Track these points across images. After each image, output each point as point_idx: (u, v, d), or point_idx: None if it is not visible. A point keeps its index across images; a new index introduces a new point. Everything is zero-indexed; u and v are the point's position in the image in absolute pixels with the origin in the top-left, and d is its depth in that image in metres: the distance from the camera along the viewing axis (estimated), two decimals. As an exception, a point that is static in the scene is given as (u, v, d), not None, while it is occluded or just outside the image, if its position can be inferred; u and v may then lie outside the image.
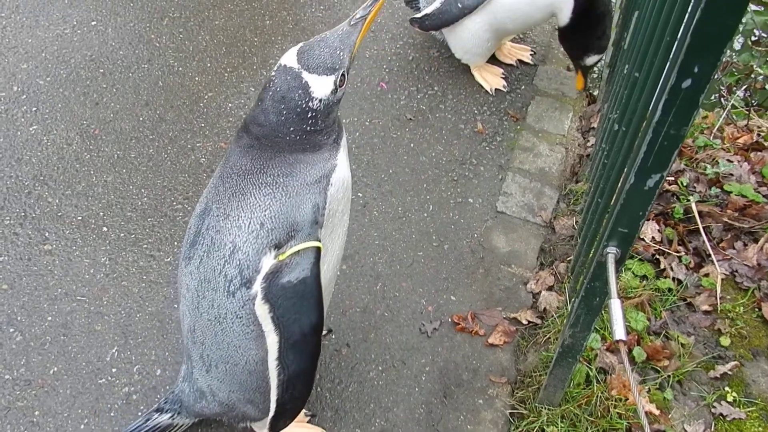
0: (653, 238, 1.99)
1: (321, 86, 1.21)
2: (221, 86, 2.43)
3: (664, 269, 1.88)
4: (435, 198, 2.14)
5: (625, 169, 1.44)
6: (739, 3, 0.88)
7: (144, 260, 1.89)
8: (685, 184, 2.14)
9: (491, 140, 2.35)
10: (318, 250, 1.27)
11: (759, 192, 2.12)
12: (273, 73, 1.23)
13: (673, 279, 1.86)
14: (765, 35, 2.99)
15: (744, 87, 2.77)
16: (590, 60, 2.27)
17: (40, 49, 2.47)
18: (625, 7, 2.52)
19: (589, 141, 2.44)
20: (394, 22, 2.68)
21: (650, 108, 1.24)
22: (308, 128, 1.24)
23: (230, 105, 2.37)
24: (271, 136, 1.24)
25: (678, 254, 1.95)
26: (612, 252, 1.21)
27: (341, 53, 1.23)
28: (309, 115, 1.22)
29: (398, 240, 2.01)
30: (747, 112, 2.53)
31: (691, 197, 2.08)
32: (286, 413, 1.39)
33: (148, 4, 2.65)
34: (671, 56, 1.20)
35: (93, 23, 2.57)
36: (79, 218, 1.99)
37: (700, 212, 2.04)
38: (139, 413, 1.60)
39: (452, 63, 2.56)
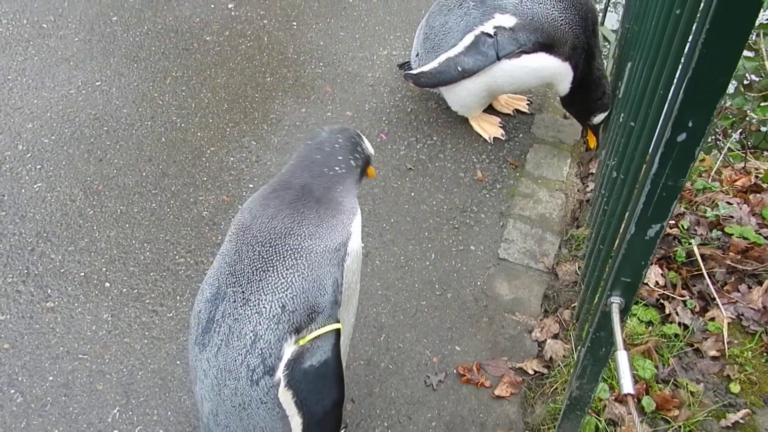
0: (657, 282, 1.98)
1: (368, 144, 1.42)
2: (223, 141, 2.46)
3: (670, 314, 1.87)
4: (437, 246, 2.15)
5: (625, 219, 1.45)
6: (729, 61, 0.91)
7: (146, 316, 1.88)
8: (686, 227, 2.15)
9: (491, 188, 2.37)
10: (338, 331, 1.26)
11: (760, 234, 2.12)
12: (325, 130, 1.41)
13: (679, 324, 1.85)
14: (757, 79, 3.04)
15: (739, 130, 2.80)
16: (597, 119, 2.34)
17: (45, 109, 2.52)
18: (618, 57, 2.58)
19: (588, 186, 2.46)
20: (392, 76, 2.74)
21: (647, 159, 1.25)
22: (353, 163, 1.33)
23: (232, 159, 2.40)
24: (317, 175, 1.28)
25: (683, 298, 1.94)
26: (616, 302, 1.20)
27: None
28: (358, 150, 1.36)
29: (401, 289, 2.00)
30: (743, 155, 2.56)
31: (692, 240, 2.09)
32: None
33: (151, 64, 2.72)
34: (665, 108, 1.22)
35: (97, 83, 2.63)
36: (82, 274, 1.99)
37: (702, 255, 2.04)
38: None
39: (450, 114, 2.61)
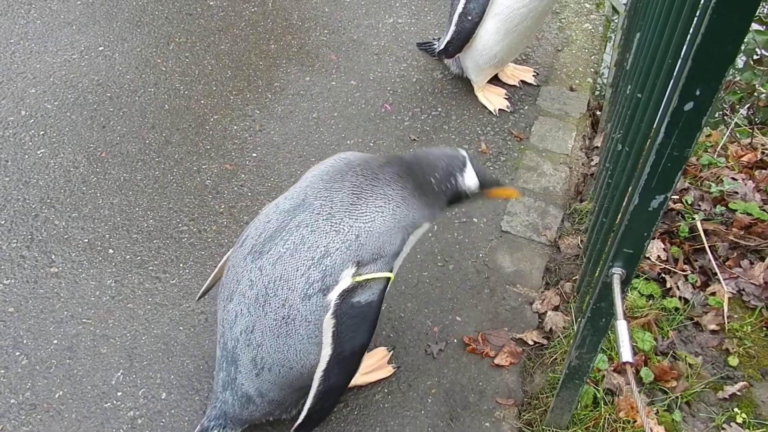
0: (659, 257, 1.98)
1: (472, 178, 1.44)
2: (226, 109, 2.45)
3: (671, 288, 1.88)
4: (440, 218, 2.15)
5: (629, 190, 1.44)
6: (739, 29, 0.89)
7: (149, 282, 1.90)
8: (689, 202, 2.14)
9: (495, 160, 2.36)
10: (388, 280, 1.35)
11: (764, 210, 2.11)
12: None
13: (680, 298, 1.85)
14: (767, 54, 3.00)
15: (747, 105, 2.77)
16: None
17: (48, 74, 2.50)
18: (627, 28, 2.55)
19: (592, 160, 2.45)
20: (397, 45, 2.71)
21: (653, 129, 1.24)
22: (449, 186, 1.42)
23: (235, 127, 2.39)
24: (424, 179, 1.39)
25: (684, 273, 1.94)
26: (617, 273, 1.20)
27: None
28: (456, 183, 1.43)
29: (403, 261, 2.00)
30: (750, 130, 2.54)
31: (696, 216, 2.08)
32: (311, 423, 1.43)
33: (154, 29, 2.69)
34: (673, 78, 1.21)
35: (100, 48, 2.61)
36: (86, 240, 2.00)
37: (705, 230, 2.03)
38: (145, 437, 1.60)
39: (455, 85, 2.58)
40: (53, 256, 1.94)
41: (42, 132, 2.32)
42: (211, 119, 2.42)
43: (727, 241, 2.04)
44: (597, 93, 2.76)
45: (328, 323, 1.29)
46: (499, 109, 2.51)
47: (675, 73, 1.20)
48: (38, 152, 2.26)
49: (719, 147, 2.42)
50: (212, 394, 1.52)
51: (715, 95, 1.00)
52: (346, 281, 1.28)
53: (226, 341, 1.38)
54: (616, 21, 2.93)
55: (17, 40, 2.61)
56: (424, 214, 1.42)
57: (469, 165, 1.43)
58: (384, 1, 2.88)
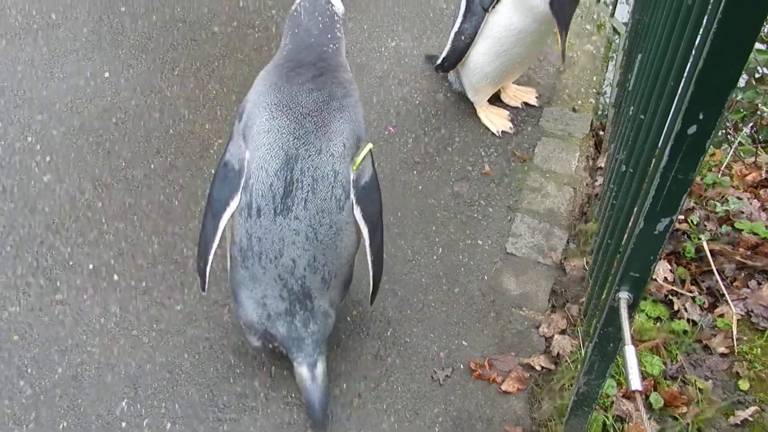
0: (665, 278, 1.97)
1: (339, 5, 1.64)
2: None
3: (678, 310, 1.86)
4: (444, 240, 2.14)
5: (634, 213, 1.43)
6: (741, 53, 0.89)
7: (154, 308, 1.89)
8: (695, 222, 2.13)
9: (499, 181, 2.36)
10: (370, 150, 1.58)
11: (771, 229, 2.10)
12: (295, 4, 1.61)
13: (688, 320, 1.83)
14: (769, 72, 3.00)
15: (750, 124, 2.77)
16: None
17: (54, 101, 2.53)
18: (628, 49, 2.56)
19: (596, 180, 2.45)
20: (400, 68, 2.73)
21: (657, 153, 1.24)
22: (339, 34, 1.60)
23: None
24: (319, 51, 1.55)
25: (691, 294, 1.93)
26: (624, 297, 1.20)
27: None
28: (336, 20, 1.60)
29: (408, 284, 2.00)
30: (754, 149, 2.53)
31: (702, 236, 2.07)
32: (377, 285, 1.70)
33: (159, 56, 2.72)
34: (675, 101, 1.21)
35: (106, 75, 2.63)
36: (91, 267, 2.00)
37: (711, 251, 2.02)
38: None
39: (458, 107, 2.59)
40: (58, 283, 1.94)
41: (48, 158, 2.34)
42: (216, 143, 2.43)
43: (734, 262, 2.02)
44: (599, 113, 2.77)
45: (357, 211, 1.54)
46: (502, 131, 2.52)
47: (677, 96, 1.20)
48: (44, 178, 2.27)
49: (723, 166, 2.42)
50: (294, 343, 1.63)
51: (719, 119, 1.00)
52: (352, 175, 1.52)
53: (292, 287, 1.56)
54: (617, 42, 2.94)
55: (24, 67, 2.63)
56: (347, 66, 1.63)
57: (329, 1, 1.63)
58: (387, 25, 2.90)
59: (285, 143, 1.46)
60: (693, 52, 1.23)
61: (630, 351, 1.08)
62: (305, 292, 1.57)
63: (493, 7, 2.23)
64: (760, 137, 2.88)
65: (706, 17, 1.14)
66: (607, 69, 2.82)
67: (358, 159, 1.52)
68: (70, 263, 2.00)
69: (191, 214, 2.18)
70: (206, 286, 1.63)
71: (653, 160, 1.39)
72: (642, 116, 1.62)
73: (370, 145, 1.56)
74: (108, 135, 2.43)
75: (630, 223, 1.52)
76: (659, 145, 1.35)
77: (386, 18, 2.93)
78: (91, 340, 1.81)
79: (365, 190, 1.55)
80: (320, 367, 1.65)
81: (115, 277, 1.98)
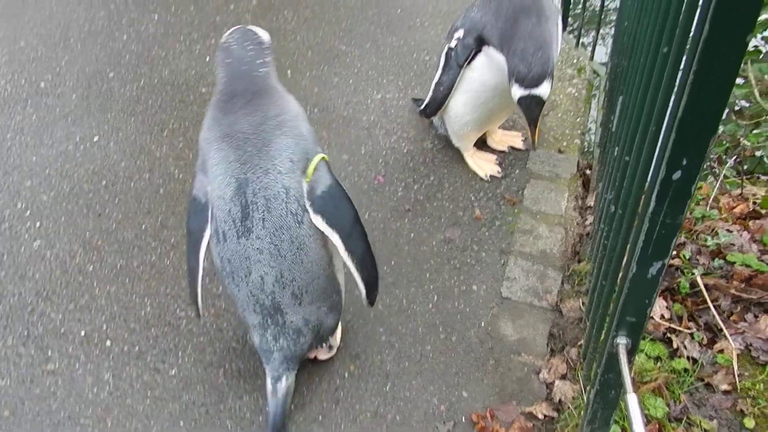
0: (662, 315, 1.96)
1: (264, 34, 1.70)
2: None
3: (678, 348, 1.85)
4: (439, 288, 2.13)
5: (626, 256, 1.44)
6: (718, 102, 0.91)
7: (148, 374, 1.86)
8: (687, 257, 2.14)
9: (490, 225, 2.37)
10: (325, 160, 1.64)
11: (762, 261, 2.11)
12: (225, 37, 1.67)
13: (688, 358, 1.82)
14: (747, 105, 3.07)
15: (734, 157, 2.81)
16: (537, 90, 2.14)
17: (44, 167, 2.54)
18: (609, 90, 2.61)
19: (587, 220, 2.46)
20: (387, 119, 2.77)
21: (644, 197, 1.25)
22: (267, 59, 1.64)
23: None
24: (251, 79, 1.60)
25: (689, 331, 1.92)
26: (623, 343, 1.19)
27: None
28: (264, 47, 1.65)
29: (405, 335, 1.98)
30: (740, 181, 2.57)
31: (695, 270, 2.07)
32: (372, 286, 1.71)
33: (148, 118, 2.75)
34: (658, 146, 1.23)
35: (95, 139, 2.65)
36: (82, 333, 1.97)
37: (706, 285, 2.02)
38: None
39: (446, 153, 2.62)
40: (50, 352, 1.91)
41: (38, 223, 2.33)
42: (206, 201, 2.43)
43: (729, 295, 2.02)
44: (585, 151, 2.81)
45: (318, 220, 1.57)
46: (490, 175, 2.54)
47: (660, 142, 1.22)
48: (34, 244, 2.26)
49: (711, 199, 2.44)
50: (264, 354, 1.72)
51: (702, 163, 1.02)
52: (305, 189, 1.57)
53: (263, 302, 1.63)
54: (598, 83, 3.01)
55: (13, 135, 2.65)
56: (281, 89, 1.68)
57: (254, 28, 1.70)
58: (372, 78, 2.96)
59: (234, 171, 1.54)
60: (672, 97, 1.26)
61: (632, 400, 1.06)
62: (276, 307, 1.64)
63: (468, 63, 2.26)
64: (745, 167, 2.92)
65: (682, 64, 1.17)
66: (589, 110, 2.87)
67: (310, 170, 1.58)
68: (62, 330, 1.97)
69: (183, 273, 2.16)
70: (200, 313, 1.72)
71: (641, 203, 1.40)
72: (627, 158, 1.65)
73: (320, 155, 1.62)
74: (98, 198, 2.43)
75: (623, 265, 1.53)
76: (646, 187, 1.37)
77: (371, 72, 2.99)
78: (84, 411, 1.76)
79: (323, 199, 1.59)
80: (284, 383, 1.73)
81: (108, 342, 1.95)
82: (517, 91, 2.10)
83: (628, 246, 1.44)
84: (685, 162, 1.01)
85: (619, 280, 1.50)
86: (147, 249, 2.25)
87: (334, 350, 1.94)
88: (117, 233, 2.30)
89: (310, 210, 1.57)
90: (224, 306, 2.06)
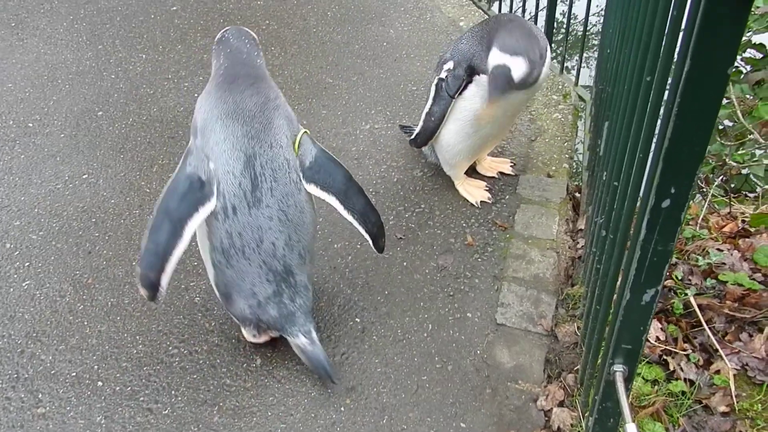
0: (657, 337, 1.96)
1: (252, 33, 1.89)
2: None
3: (674, 370, 1.84)
4: (433, 316, 2.13)
5: (619, 283, 1.44)
6: (703, 131, 0.93)
7: (141, 415, 1.83)
8: (679, 277, 2.15)
9: (483, 251, 2.37)
10: (308, 134, 1.83)
11: (754, 279, 2.12)
12: (221, 33, 1.87)
13: (685, 380, 1.81)
14: (730, 124, 3.12)
15: (720, 176, 2.85)
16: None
17: (33, 206, 2.52)
18: (595, 115, 2.65)
19: (578, 243, 2.47)
20: (376, 149, 2.78)
21: (634, 225, 1.25)
22: (260, 53, 1.87)
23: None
24: (252, 66, 1.78)
25: (685, 352, 1.92)
26: (619, 370, 1.19)
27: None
28: (256, 43, 1.87)
29: (401, 365, 1.96)
30: (727, 200, 2.59)
31: (688, 291, 2.08)
32: (378, 235, 1.91)
33: (137, 154, 2.75)
34: (646, 174, 1.24)
35: (84, 176, 2.65)
36: (74, 374, 1.94)
37: (699, 305, 2.03)
38: None
39: (436, 181, 2.64)
40: (40, 395, 1.88)
41: (27, 263, 2.31)
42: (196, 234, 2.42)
43: (723, 315, 2.03)
44: (574, 173, 2.83)
45: (311, 188, 1.78)
46: (481, 201, 2.55)
47: (647, 169, 1.24)
48: (23, 284, 2.23)
49: (700, 219, 2.46)
50: (287, 319, 1.84)
51: (690, 191, 1.03)
52: (296, 161, 1.76)
53: (276, 268, 1.77)
54: (583, 107, 3.04)
55: (2, 175, 2.64)
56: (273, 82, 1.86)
57: (245, 30, 1.91)
58: (360, 109, 2.98)
59: (242, 145, 1.67)
60: (657, 124, 1.28)
61: (631, 429, 1.06)
62: (287, 270, 1.79)
63: (459, 93, 2.28)
64: (732, 185, 2.95)
65: (666, 93, 1.19)
66: (576, 134, 2.91)
67: (296, 145, 1.76)
68: (52, 372, 1.94)
69: (175, 309, 2.14)
70: (161, 297, 1.71)
71: (632, 227, 1.41)
72: (616, 183, 1.66)
73: (303, 131, 1.81)
74: (88, 235, 2.42)
75: (616, 291, 1.53)
76: (635, 214, 1.38)
77: (359, 103, 3.01)
78: (76, 454, 1.73)
79: (312, 169, 1.78)
80: (314, 333, 1.88)
81: (99, 383, 1.92)
82: (494, 57, 2.08)
83: (621, 271, 1.44)
84: (673, 190, 1.02)
85: (613, 306, 1.50)
86: (137, 286, 2.23)
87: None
88: (107, 270, 2.29)
89: (303, 181, 1.76)
90: (217, 342, 2.04)
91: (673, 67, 1.16)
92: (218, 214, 1.67)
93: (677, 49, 1.11)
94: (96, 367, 1.96)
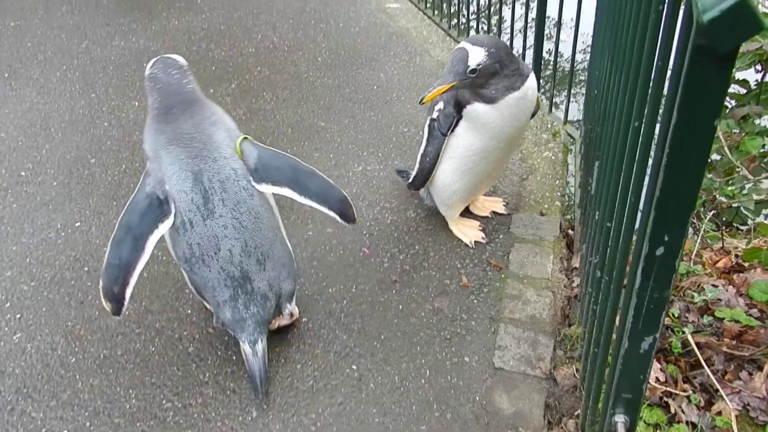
0: (657, 378, 1.94)
1: (181, 59, 1.99)
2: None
3: (675, 413, 1.82)
4: (431, 361, 2.10)
5: (615, 330, 1.43)
6: (694, 183, 0.94)
7: (134, 472, 1.78)
8: (676, 315, 2.14)
9: (478, 292, 2.36)
10: (247, 138, 1.93)
11: (751, 315, 2.11)
12: (148, 69, 1.95)
13: (687, 423, 1.79)
14: (718, 158, 3.16)
15: (711, 211, 2.87)
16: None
17: (25, 255, 2.50)
18: (585, 153, 2.67)
19: (573, 281, 2.47)
20: (369, 190, 2.79)
21: (628, 272, 1.25)
22: (190, 78, 1.95)
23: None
24: (182, 93, 1.89)
25: (686, 393, 1.90)
26: (621, 421, 1.17)
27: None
28: (184, 70, 1.96)
29: (399, 415, 1.93)
30: (720, 235, 2.61)
31: (685, 328, 2.07)
32: (343, 209, 1.98)
33: (130, 200, 2.74)
34: (639, 221, 1.25)
35: (77, 225, 2.64)
36: None
37: (698, 344, 2.01)
38: None
39: (429, 222, 2.64)
40: (30, 454, 1.83)
41: (18, 315, 2.28)
42: (191, 283, 2.41)
43: (721, 353, 2.01)
44: (567, 210, 2.84)
45: (263, 187, 1.88)
46: (475, 241, 2.55)
47: (639, 214, 1.24)
48: (14, 337, 2.20)
49: (694, 254, 2.47)
50: (238, 324, 1.94)
51: (684, 238, 1.03)
52: (242, 166, 1.87)
53: (233, 274, 1.88)
54: (573, 145, 3.08)
55: (-7, 225, 2.63)
56: (205, 99, 1.99)
57: (169, 57, 1.99)
58: (352, 151, 3.00)
59: (188, 165, 1.82)
60: (648, 170, 1.29)
61: (636, 482, 1.04)
62: (245, 276, 1.89)
63: (452, 131, 2.32)
64: (723, 218, 2.97)
65: (654, 142, 1.20)
66: (567, 172, 2.93)
67: (238, 151, 1.88)
68: (43, 430, 1.90)
69: (169, 360, 2.11)
70: (124, 310, 1.82)
71: (627, 278, 1.40)
72: (609, 224, 1.67)
73: (242, 137, 1.92)
74: (80, 285, 2.39)
75: (614, 332, 1.52)
76: (630, 262, 1.38)
77: (351, 146, 3.04)
78: None
79: (258, 170, 1.88)
80: (260, 344, 1.97)
81: (92, 439, 1.88)
82: (463, 42, 2.15)
83: (618, 313, 1.43)
84: (666, 238, 1.02)
85: (611, 350, 1.49)
86: (131, 336, 2.20)
87: (295, 317, 2.17)
88: (99, 321, 2.26)
89: (254, 184, 1.87)
90: (212, 394, 2.00)
91: (660, 111, 1.18)
92: (179, 229, 1.83)
93: (663, 98, 1.13)
94: (88, 423, 1.92)
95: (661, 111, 1.13)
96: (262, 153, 1.91)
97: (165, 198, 1.81)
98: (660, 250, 1.03)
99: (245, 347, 1.96)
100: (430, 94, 2.12)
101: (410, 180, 2.59)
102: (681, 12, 1.00)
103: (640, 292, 1.08)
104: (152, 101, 1.91)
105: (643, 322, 1.10)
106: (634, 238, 1.35)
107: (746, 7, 0.71)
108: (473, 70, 2.10)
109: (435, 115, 2.35)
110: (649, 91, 1.19)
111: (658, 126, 1.16)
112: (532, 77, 2.23)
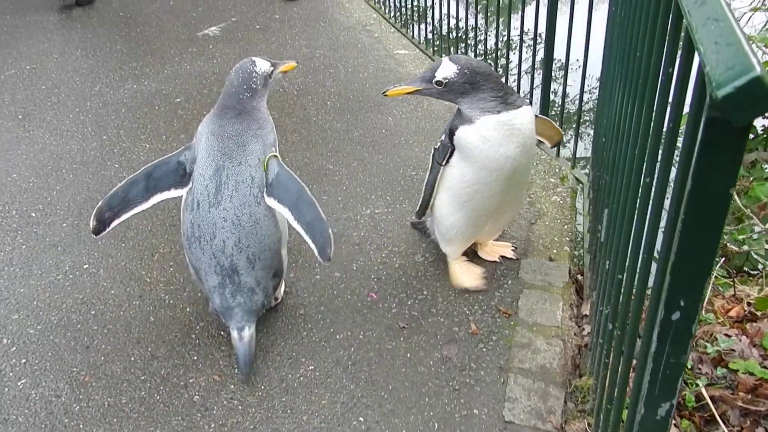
0: (672, 434, 1.90)
1: (262, 65, 2.20)
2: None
3: (692, 471, 1.77)
4: (439, 413, 2.06)
5: (631, 399, 1.39)
6: (709, 248, 0.93)
7: None
8: (689, 366, 2.10)
9: (487, 340, 2.33)
10: (275, 156, 2.13)
11: (765, 367, 2.07)
12: (236, 67, 2.20)
13: (704, 481, 1.74)
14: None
15: (722, 258, 2.84)
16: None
17: (32, 298, 2.50)
18: (594, 199, 2.67)
19: (584, 329, 2.43)
20: (377, 234, 2.79)
21: (643, 336, 1.23)
22: (254, 86, 2.15)
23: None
24: (240, 102, 2.12)
25: (702, 450, 1.85)
26: (638, 489, 1.14)
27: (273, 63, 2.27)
28: (254, 76, 2.16)
29: (407, 469, 1.89)
30: (732, 282, 2.58)
31: (698, 381, 2.03)
32: (324, 245, 2.03)
33: (138, 243, 2.75)
34: (653, 284, 1.23)
35: (85, 266, 2.64)
36: (66, 482, 1.86)
37: (712, 397, 1.97)
38: None
39: (438, 266, 2.63)
40: (30, 507, 1.79)
41: (24, 360, 2.26)
42: (197, 327, 2.39)
43: (736, 408, 1.97)
44: (576, 255, 2.82)
45: (271, 201, 2.08)
46: (483, 287, 2.52)
47: (654, 275, 1.23)
48: (19, 383, 2.18)
49: (705, 302, 2.44)
50: (226, 312, 2.13)
51: (700, 303, 1.02)
52: (261, 177, 2.08)
53: (223, 263, 2.07)
54: (581, 190, 3.08)
55: (2, 266, 2.63)
56: (263, 113, 2.19)
57: (258, 59, 2.20)
58: (360, 194, 3.01)
59: (215, 158, 2.06)
60: (661, 228, 1.28)
61: None
62: (233, 268, 2.07)
63: (446, 162, 2.33)
64: (734, 264, 2.94)
65: (667, 199, 1.19)
66: (575, 217, 2.92)
67: (264, 165, 2.08)
68: (44, 482, 1.86)
69: (174, 409, 2.08)
70: (103, 235, 2.11)
71: (641, 343, 1.38)
72: (620, 276, 1.65)
73: (271, 154, 2.11)
74: (86, 329, 2.38)
75: (627, 394, 1.48)
76: (644, 327, 1.35)
77: (359, 189, 3.05)
78: None
79: (272, 185, 2.07)
80: (247, 331, 2.14)
81: (93, 492, 1.84)
82: (445, 56, 2.28)
83: (633, 391, 1.39)
84: (683, 303, 1.01)
85: (625, 413, 1.45)
86: (136, 383, 2.18)
87: (279, 298, 2.42)
88: (105, 367, 2.24)
89: (266, 193, 2.06)
90: (217, 444, 1.97)
91: (673, 170, 1.17)
92: (189, 205, 2.07)
93: (676, 154, 1.12)
94: (90, 473, 1.89)
95: (673, 172, 1.13)
96: (281, 172, 2.09)
97: (189, 173, 2.08)
98: (676, 315, 1.02)
99: (233, 333, 2.15)
100: (394, 90, 2.28)
101: (417, 209, 2.60)
102: (693, 73, 1.00)
103: (656, 357, 1.06)
104: (221, 95, 2.16)
105: (660, 388, 1.08)
106: (648, 291, 1.33)
107: (761, 84, 0.71)
108: (438, 82, 2.21)
109: (437, 145, 2.38)
110: (661, 151, 1.19)
111: (669, 184, 1.15)
112: (525, 111, 2.22)
